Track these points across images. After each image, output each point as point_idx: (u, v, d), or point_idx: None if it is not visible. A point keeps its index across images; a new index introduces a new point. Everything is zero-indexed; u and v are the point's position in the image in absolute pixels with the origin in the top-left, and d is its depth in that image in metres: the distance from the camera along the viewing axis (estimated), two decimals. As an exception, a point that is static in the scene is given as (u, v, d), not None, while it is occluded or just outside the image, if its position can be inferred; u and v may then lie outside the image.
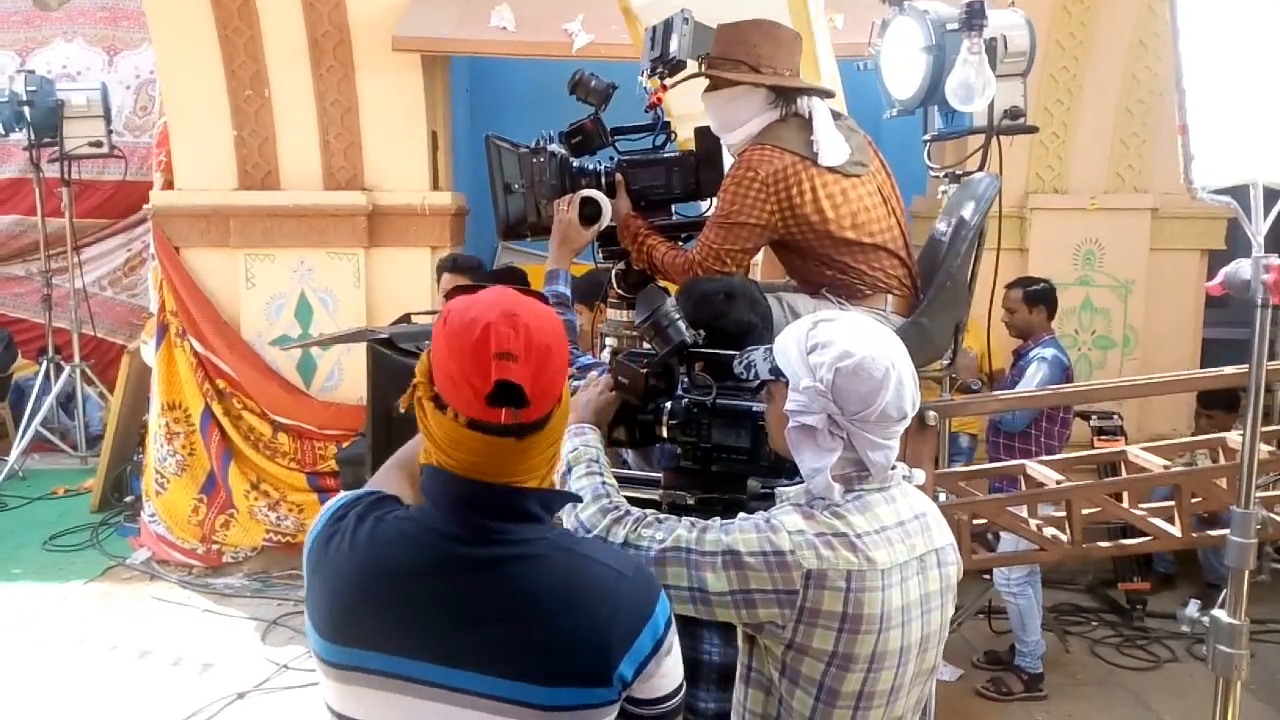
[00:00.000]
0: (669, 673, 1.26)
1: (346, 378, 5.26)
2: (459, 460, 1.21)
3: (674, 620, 1.29)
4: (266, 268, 5.22)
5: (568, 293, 2.39)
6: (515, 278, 4.21)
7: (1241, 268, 2.22)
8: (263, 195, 5.16)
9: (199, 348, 5.18)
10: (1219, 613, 2.28)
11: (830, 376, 1.43)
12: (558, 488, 1.46)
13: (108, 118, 6.43)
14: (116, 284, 7.26)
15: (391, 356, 1.94)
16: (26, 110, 6.18)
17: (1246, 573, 2.28)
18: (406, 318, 4.51)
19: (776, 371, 1.51)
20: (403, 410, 1.30)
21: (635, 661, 1.21)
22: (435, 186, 5.29)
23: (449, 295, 1.29)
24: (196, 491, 5.25)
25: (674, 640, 1.27)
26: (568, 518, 1.55)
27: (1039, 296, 4.43)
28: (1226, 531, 2.31)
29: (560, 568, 1.22)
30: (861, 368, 1.44)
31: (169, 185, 5.26)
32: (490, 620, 1.18)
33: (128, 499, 6.01)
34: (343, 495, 1.31)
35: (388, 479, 1.40)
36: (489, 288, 1.27)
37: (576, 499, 1.53)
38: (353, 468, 4.43)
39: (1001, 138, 3.04)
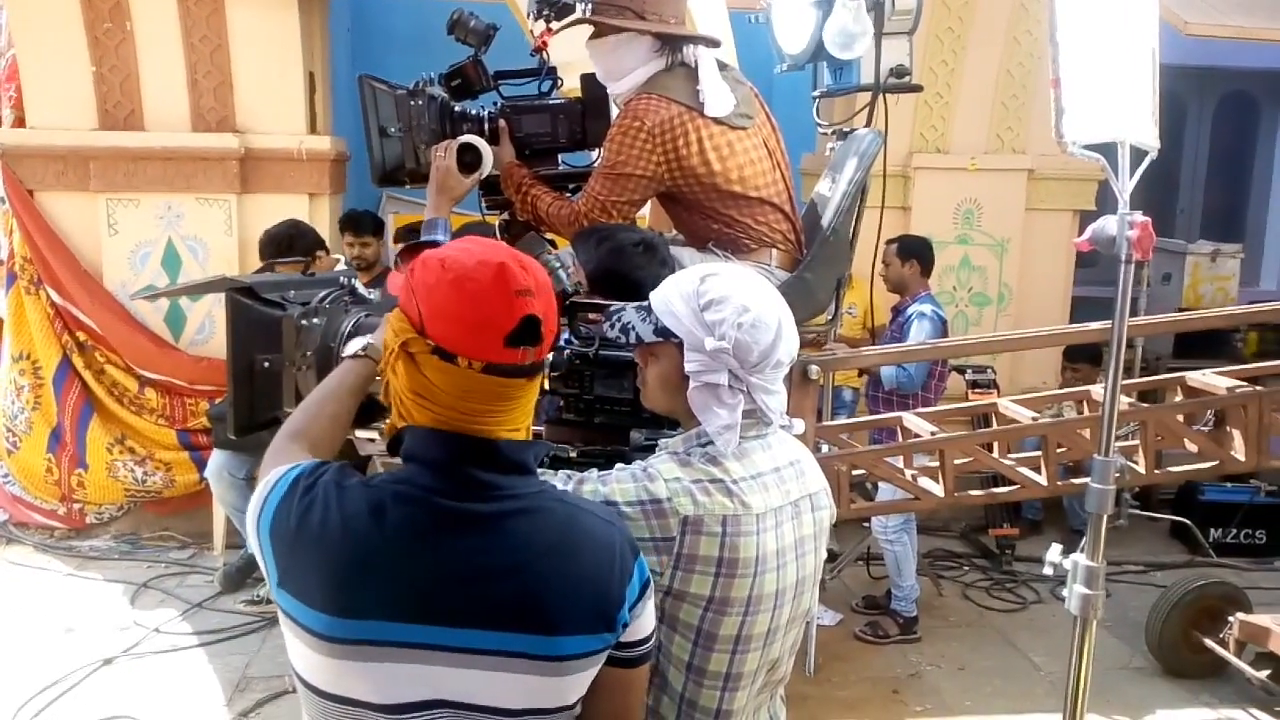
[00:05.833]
0: (650, 613, 1.31)
1: (219, 330, 5.02)
2: (457, 413, 1.20)
3: None
4: (130, 213, 4.92)
5: (447, 242, 2.31)
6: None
7: (1108, 224, 2.30)
8: (125, 136, 4.84)
9: (57, 298, 4.86)
10: (1079, 556, 2.39)
11: (734, 334, 1.42)
12: None
13: (-52, 48, 5.94)
14: (-38, 229, 6.76)
15: (254, 307, 1.83)
16: None
17: (1105, 517, 2.40)
18: (270, 266, 4.33)
19: (665, 332, 1.48)
20: (382, 379, 1.26)
21: (630, 603, 1.25)
22: (313, 130, 5.06)
23: (404, 254, 1.26)
24: (45, 450, 4.95)
25: (651, 581, 1.31)
26: None
27: (911, 250, 4.49)
28: (1089, 479, 2.42)
29: (561, 519, 1.24)
30: (760, 320, 1.44)
31: (20, 123, 4.89)
32: (498, 576, 1.18)
33: (-21, 459, 5.66)
34: (287, 469, 1.23)
35: (288, 453, 1.31)
36: (456, 239, 1.30)
37: (557, 446, 1.56)
38: (225, 424, 4.25)
39: (887, 96, 3.07)
